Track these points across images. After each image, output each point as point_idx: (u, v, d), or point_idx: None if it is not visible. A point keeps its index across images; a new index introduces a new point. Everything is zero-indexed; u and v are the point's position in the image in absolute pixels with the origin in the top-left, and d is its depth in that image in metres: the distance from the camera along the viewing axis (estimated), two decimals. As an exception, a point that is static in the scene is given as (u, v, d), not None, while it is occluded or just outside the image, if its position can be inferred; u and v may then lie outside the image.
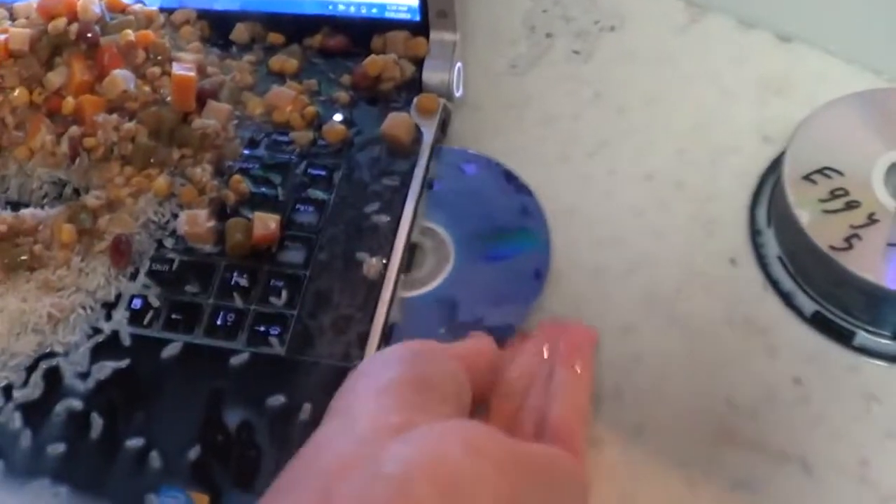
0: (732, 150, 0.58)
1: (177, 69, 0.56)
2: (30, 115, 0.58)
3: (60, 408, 0.50)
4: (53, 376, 0.51)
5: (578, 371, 0.48)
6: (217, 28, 0.61)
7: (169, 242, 0.54)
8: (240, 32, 0.61)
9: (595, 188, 0.57)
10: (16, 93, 0.58)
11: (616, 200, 0.57)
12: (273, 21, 0.61)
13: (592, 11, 0.63)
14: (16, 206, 0.57)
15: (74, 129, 0.56)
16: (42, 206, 0.56)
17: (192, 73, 0.56)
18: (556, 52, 0.62)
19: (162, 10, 0.61)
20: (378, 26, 0.59)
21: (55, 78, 0.58)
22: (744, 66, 0.61)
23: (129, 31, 0.58)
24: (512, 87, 0.61)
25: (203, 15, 0.61)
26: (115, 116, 0.55)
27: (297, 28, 0.60)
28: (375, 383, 0.41)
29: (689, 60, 0.62)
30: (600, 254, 0.55)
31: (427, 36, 0.58)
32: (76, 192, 0.56)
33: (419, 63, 0.58)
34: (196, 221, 0.53)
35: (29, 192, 0.57)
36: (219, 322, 0.51)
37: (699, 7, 0.63)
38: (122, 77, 0.56)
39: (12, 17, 0.61)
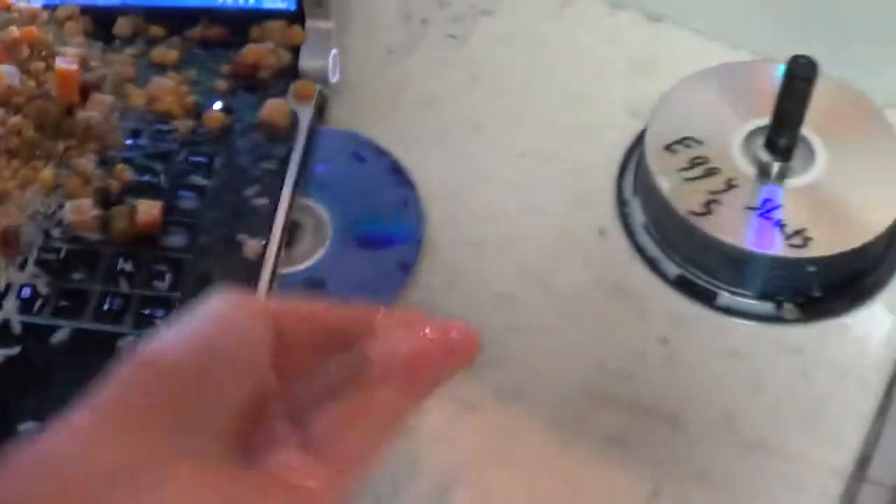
0: (602, 126, 0.61)
1: (60, 63, 0.57)
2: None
3: (-49, 401, 0.52)
4: (-55, 371, 0.52)
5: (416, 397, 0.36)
6: (100, 23, 0.62)
7: (56, 232, 0.55)
8: (122, 26, 0.62)
9: (472, 166, 0.59)
10: None
11: (492, 178, 0.59)
12: (154, 14, 0.62)
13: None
14: None
15: (-41, 126, 0.56)
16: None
17: (75, 67, 0.57)
18: (432, 37, 0.64)
19: (45, 6, 0.62)
20: (256, 16, 0.61)
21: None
22: (614, 46, 0.64)
23: (14, 28, 0.59)
24: (390, 73, 0.63)
25: (86, 10, 0.62)
26: (0, 111, 0.57)
27: (178, 21, 0.62)
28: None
29: (562, 42, 0.64)
30: (477, 229, 0.57)
31: (303, 24, 0.60)
32: (-35, 188, 0.57)
33: (296, 51, 0.60)
34: (81, 210, 0.54)
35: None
36: (105, 307, 0.52)
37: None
38: (6, 72, 0.57)
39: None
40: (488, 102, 0.62)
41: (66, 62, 0.57)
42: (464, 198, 0.58)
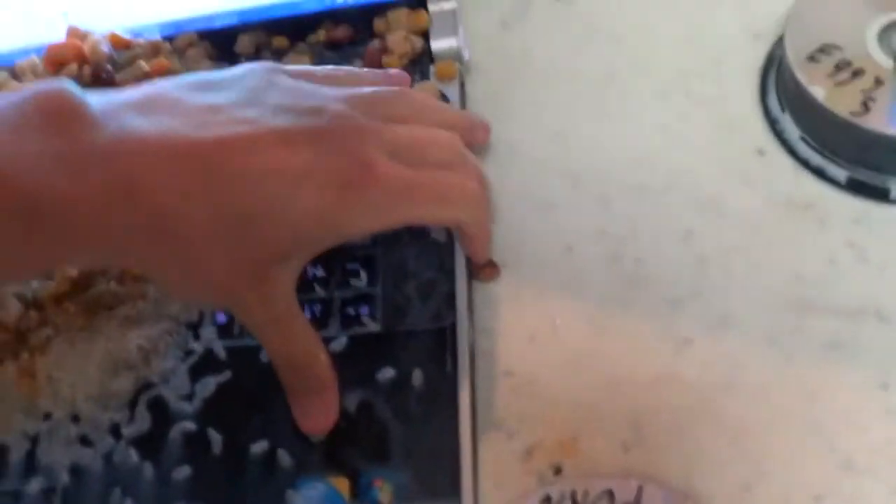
0: (729, 54, 0.61)
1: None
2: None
3: (174, 433, 0.51)
4: (158, 405, 0.52)
5: None
6: (220, 45, 0.63)
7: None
8: (244, 44, 0.63)
9: (614, 116, 0.60)
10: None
11: (638, 124, 0.59)
12: (273, 26, 0.62)
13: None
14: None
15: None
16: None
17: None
18: (538, 3, 0.64)
19: (164, 38, 0.62)
20: (377, 9, 0.61)
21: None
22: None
23: (142, 62, 0.59)
24: (508, 43, 0.63)
25: (203, 35, 0.62)
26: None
27: (298, 28, 0.62)
28: None
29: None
30: (633, 176, 0.57)
31: (426, 7, 0.60)
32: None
33: (424, 35, 0.60)
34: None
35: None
36: (308, 315, 0.53)
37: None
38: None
39: (16, 77, 0.62)
40: (611, 55, 0.62)
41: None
42: (613, 149, 0.59)
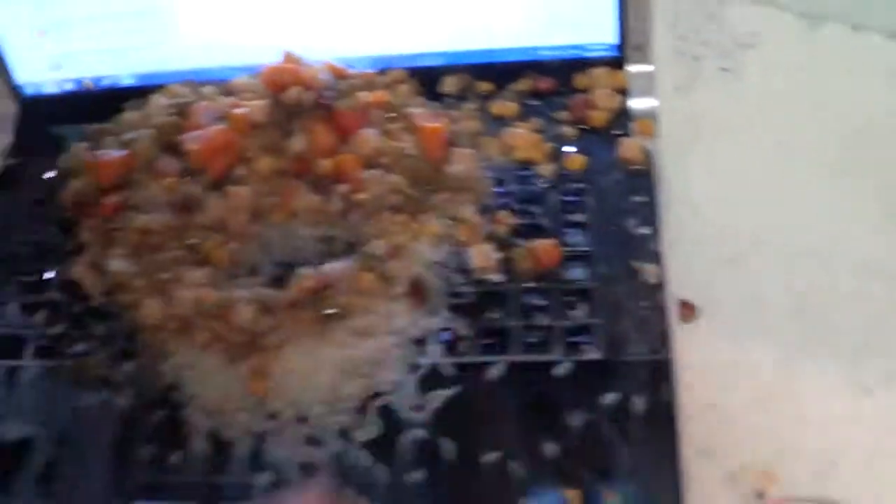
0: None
1: (424, 122, 0.62)
2: (276, 180, 0.62)
3: (405, 439, 0.55)
4: (388, 413, 0.56)
5: None
6: (427, 83, 0.67)
7: (457, 278, 0.60)
8: (449, 84, 0.67)
9: (787, 179, 0.65)
10: (260, 162, 0.62)
11: (809, 186, 0.65)
12: (479, 70, 0.68)
13: (725, 33, 0.72)
14: (287, 265, 0.61)
15: (344, 188, 0.60)
16: (316, 263, 0.60)
17: (440, 125, 0.62)
18: (707, 73, 0.71)
19: (376, 71, 0.66)
20: (578, 65, 0.67)
21: (297, 144, 0.62)
22: (865, 61, 0.71)
23: (365, 93, 0.63)
24: (680, 107, 0.69)
25: (413, 72, 0.67)
26: (378, 171, 0.61)
27: (502, 74, 0.67)
28: None
29: (820, 61, 0.71)
30: (811, 234, 0.63)
31: (623, 68, 0.66)
32: (348, 244, 0.61)
33: (622, 93, 0.66)
34: (485, 255, 0.59)
35: (296, 250, 0.62)
36: (531, 340, 0.57)
37: (813, 18, 0.73)
38: (371, 135, 0.62)
39: (229, 93, 0.66)
40: (779, 122, 0.68)
41: (429, 121, 0.62)
42: (790, 210, 0.64)
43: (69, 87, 0.72)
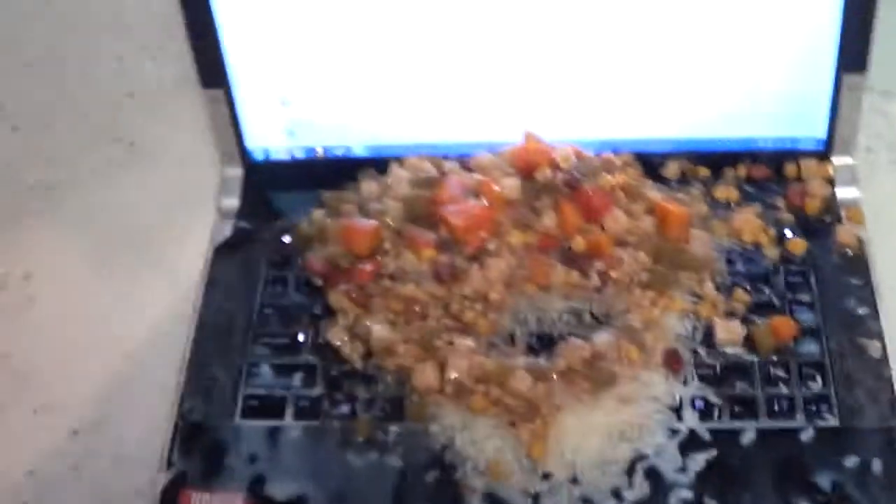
0: None
1: (669, 205, 0.69)
2: (526, 254, 0.69)
3: (673, 499, 0.62)
4: (654, 474, 0.63)
5: None
6: (650, 166, 0.74)
7: (703, 350, 0.67)
8: (672, 169, 0.75)
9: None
10: (512, 236, 0.69)
11: None
12: (698, 157, 0.75)
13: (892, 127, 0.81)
14: (541, 335, 0.68)
15: (600, 264, 0.67)
16: (572, 334, 0.67)
17: (685, 209, 0.69)
18: (880, 164, 0.80)
19: (598, 154, 0.73)
20: (790, 155, 0.75)
21: (546, 221, 0.69)
22: None
23: (609, 176, 0.70)
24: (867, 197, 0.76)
25: (638, 156, 0.74)
26: (628, 250, 0.68)
27: (720, 161, 0.75)
28: None
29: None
30: None
31: (830, 160, 0.75)
32: (594, 317, 0.68)
33: (830, 182, 0.74)
34: (732, 330, 0.66)
35: (549, 323, 0.68)
36: (776, 408, 0.64)
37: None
38: (620, 216, 0.68)
39: (470, 170, 0.73)
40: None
41: (670, 204, 0.69)
42: None
43: (299, 154, 0.78)
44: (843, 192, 0.74)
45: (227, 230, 0.77)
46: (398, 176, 0.74)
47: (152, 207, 0.83)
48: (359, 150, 0.77)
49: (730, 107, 0.74)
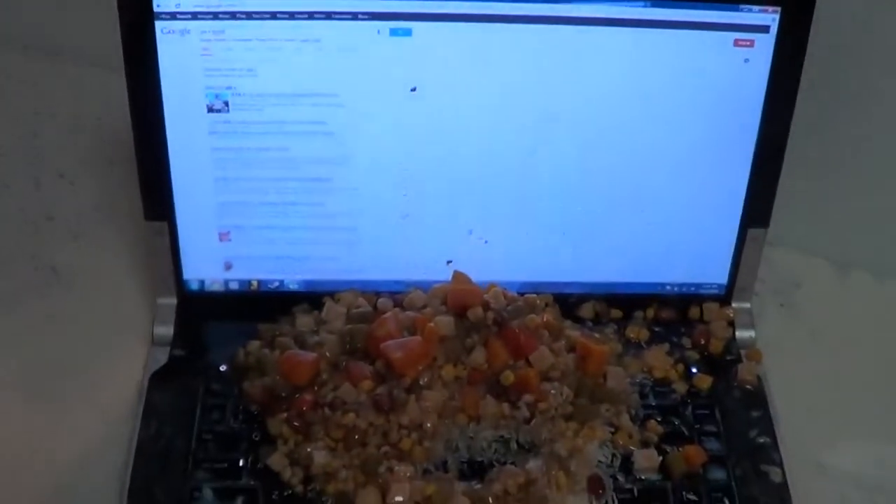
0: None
1: (591, 344, 0.80)
2: (458, 387, 0.78)
3: None
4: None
5: None
6: (568, 307, 0.86)
7: (621, 476, 0.77)
8: (587, 310, 0.86)
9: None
10: (445, 370, 0.78)
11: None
12: (612, 299, 0.87)
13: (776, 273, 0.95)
14: (469, 463, 0.77)
15: (529, 397, 0.77)
16: (496, 461, 0.76)
17: (604, 347, 0.80)
18: (767, 308, 0.92)
19: (519, 293, 0.84)
20: (694, 299, 0.87)
21: (477, 356, 0.79)
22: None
23: (533, 317, 0.80)
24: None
25: (556, 298, 0.85)
26: (554, 384, 0.77)
27: (632, 303, 0.87)
28: None
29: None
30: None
31: (730, 304, 0.87)
32: (520, 446, 0.77)
33: (731, 324, 0.86)
34: (650, 458, 0.77)
35: (479, 450, 0.77)
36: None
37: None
38: (546, 353, 0.78)
39: (400, 306, 0.83)
40: (835, 359, 0.89)
41: (594, 343, 0.80)
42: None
43: (234, 286, 0.86)
44: (742, 333, 0.87)
45: (162, 358, 0.84)
46: (334, 310, 0.83)
47: (79, 333, 0.89)
48: (292, 284, 0.86)
49: (641, 255, 0.86)
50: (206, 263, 0.86)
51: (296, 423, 0.77)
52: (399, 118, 0.81)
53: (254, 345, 0.83)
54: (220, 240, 0.84)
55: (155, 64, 0.78)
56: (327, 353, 0.80)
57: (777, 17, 0.79)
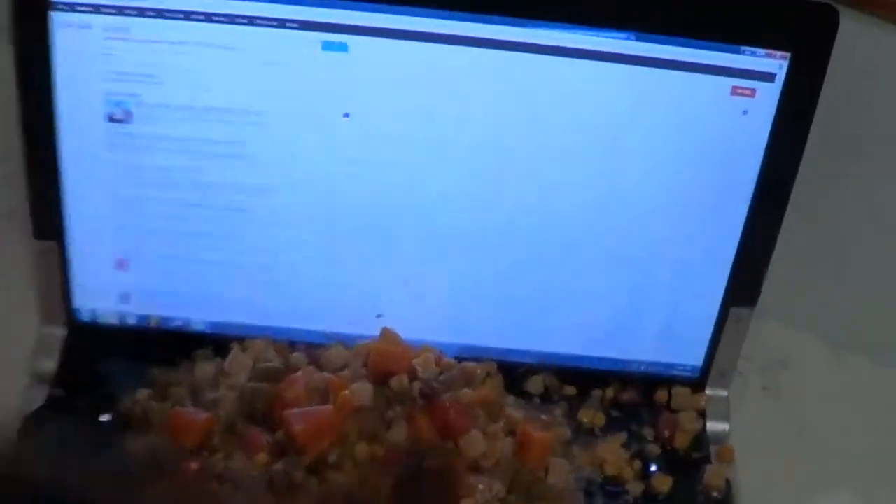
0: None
1: (532, 430, 0.69)
2: (371, 468, 0.66)
3: None
4: None
5: None
6: (514, 379, 0.74)
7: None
8: (535, 384, 0.74)
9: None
10: (356, 449, 0.67)
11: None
12: (565, 374, 0.75)
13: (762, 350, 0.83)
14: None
15: (451, 491, 0.65)
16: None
17: (547, 435, 0.69)
18: (752, 387, 0.80)
19: (458, 359, 0.72)
20: (662, 382, 0.75)
21: (397, 434, 0.67)
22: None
23: (468, 391, 0.69)
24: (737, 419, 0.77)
25: (500, 366, 0.73)
26: (482, 478, 0.66)
27: (588, 380, 0.75)
28: None
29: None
30: None
31: (703, 390, 0.75)
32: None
33: (701, 413, 0.74)
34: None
35: (388, 546, 0.66)
36: None
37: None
38: (477, 438, 0.67)
39: (318, 363, 0.71)
40: (817, 452, 0.78)
41: (533, 428, 0.69)
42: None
43: (130, 321, 0.75)
44: (714, 426, 0.75)
45: (39, 397, 0.73)
46: (239, 361, 0.72)
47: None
48: (198, 325, 0.75)
49: (605, 325, 0.74)
50: (100, 292, 0.75)
51: (175, 496, 0.66)
52: (329, 145, 0.69)
53: (143, 393, 0.72)
54: (118, 267, 0.73)
55: (48, 61, 0.68)
56: (223, 414, 0.69)
57: (786, 63, 0.67)
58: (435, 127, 0.69)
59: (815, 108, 0.68)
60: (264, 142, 0.69)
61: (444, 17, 0.66)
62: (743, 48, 0.67)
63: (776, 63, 0.67)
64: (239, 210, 0.71)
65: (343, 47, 0.67)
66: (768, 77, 0.68)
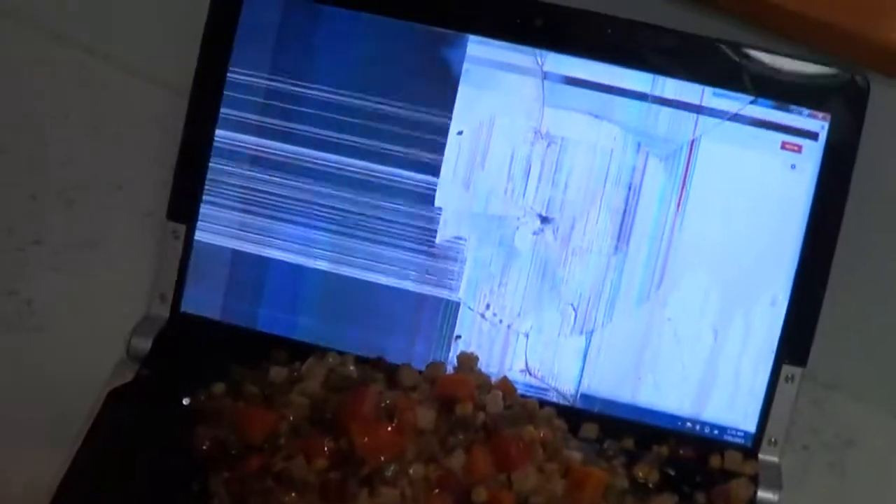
0: None
1: (590, 468, 0.72)
2: (423, 488, 0.70)
3: None
4: None
5: None
6: (570, 423, 0.76)
7: None
8: (589, 430, 0.77)
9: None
10: (412, 469, 0.70)
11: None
12: (620, 424, 0.77)
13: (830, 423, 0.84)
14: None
15: (496, 524, 0.69)
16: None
17: (603, 475, 0.71)
18: (817, 464, 0.81)
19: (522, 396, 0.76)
20: (715, 445, 0.77)
21: (454, 461, 0.71)
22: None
23: (532, 428, 0.72)
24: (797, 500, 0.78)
25: (560, 410, 0.76)
26: (527, 515, 0.69)
27: (646, 434, 0.77)
28: None
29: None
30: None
31: (756, 457, 0.77)
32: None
33: (753, 480, 0.75)
34: None
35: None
36: None
37: None
38: (532, 475, 0.70)
39: (390, 377, 0.75)
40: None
41: (595, 467, 0.72)
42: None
43: (228, 317, 0.81)
44: (765, 495, 0.75)
45: (128, 374, 0.79)
46: (315, 368, 0.76)
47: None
48: (285, 328, 0.80)
49: (670, 379, 0.78)
50: (209, 283, 0.81)
51: (234, 487, 0.71)
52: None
53: (218, 387, 0.77)
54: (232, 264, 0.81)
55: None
56: (291, 417, 0.73)
57: (827, 125, 0.73)
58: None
59: (853, 163, 0.74)
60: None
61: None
62: (790, 107, 0.74)
63: (818, 123, 0.73)
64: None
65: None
66: (812, 135, 0.74)
